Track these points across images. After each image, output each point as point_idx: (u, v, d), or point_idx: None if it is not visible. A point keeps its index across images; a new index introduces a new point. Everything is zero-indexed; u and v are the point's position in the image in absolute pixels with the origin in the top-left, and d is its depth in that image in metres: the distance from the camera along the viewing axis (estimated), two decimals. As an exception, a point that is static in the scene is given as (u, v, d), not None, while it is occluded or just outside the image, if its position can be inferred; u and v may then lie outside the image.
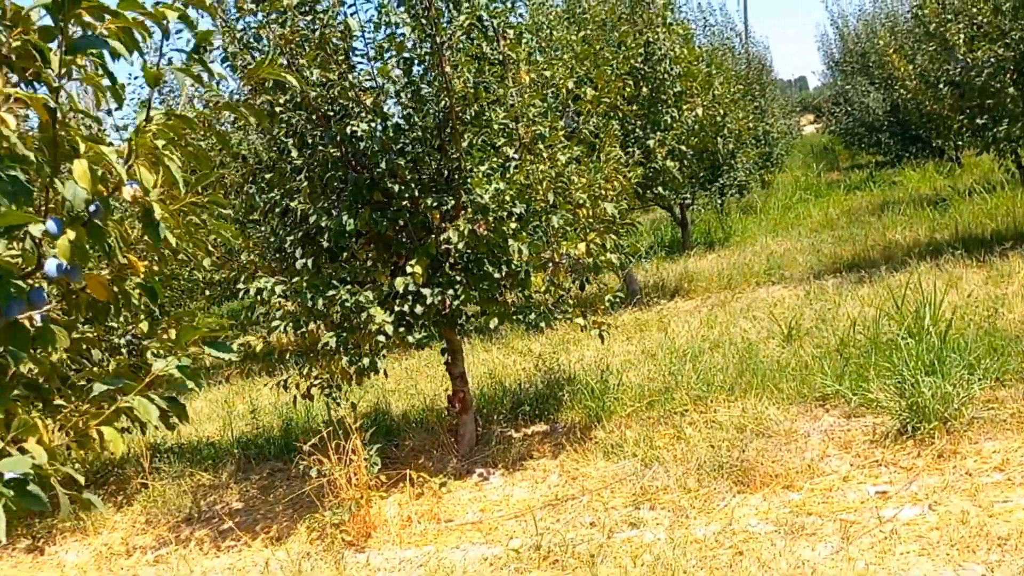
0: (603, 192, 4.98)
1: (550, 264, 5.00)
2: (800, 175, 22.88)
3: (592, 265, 4.99)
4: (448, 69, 4.59)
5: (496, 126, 4.99)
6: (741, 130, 14.14)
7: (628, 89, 8.89)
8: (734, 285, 10.01)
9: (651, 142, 8.77)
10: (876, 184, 17.28)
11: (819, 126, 34.16)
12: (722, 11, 21.57)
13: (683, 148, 9.13)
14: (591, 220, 4.96)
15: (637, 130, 8.75)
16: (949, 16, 8.40)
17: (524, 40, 5.51)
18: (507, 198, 4.56)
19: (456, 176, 4.87)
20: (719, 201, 18.63)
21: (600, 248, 4.88)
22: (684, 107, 9.36)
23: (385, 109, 4.93)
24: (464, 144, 4.90)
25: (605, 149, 5.13)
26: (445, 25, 4.76)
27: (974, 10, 8.70)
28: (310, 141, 4.90)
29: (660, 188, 9.32)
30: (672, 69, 8.64)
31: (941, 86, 8.86)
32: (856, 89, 19.13)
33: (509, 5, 5.50)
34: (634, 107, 9.04)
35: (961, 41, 8.25)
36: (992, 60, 8.17)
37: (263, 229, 5.38)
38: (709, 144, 9.64)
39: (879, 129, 18.49)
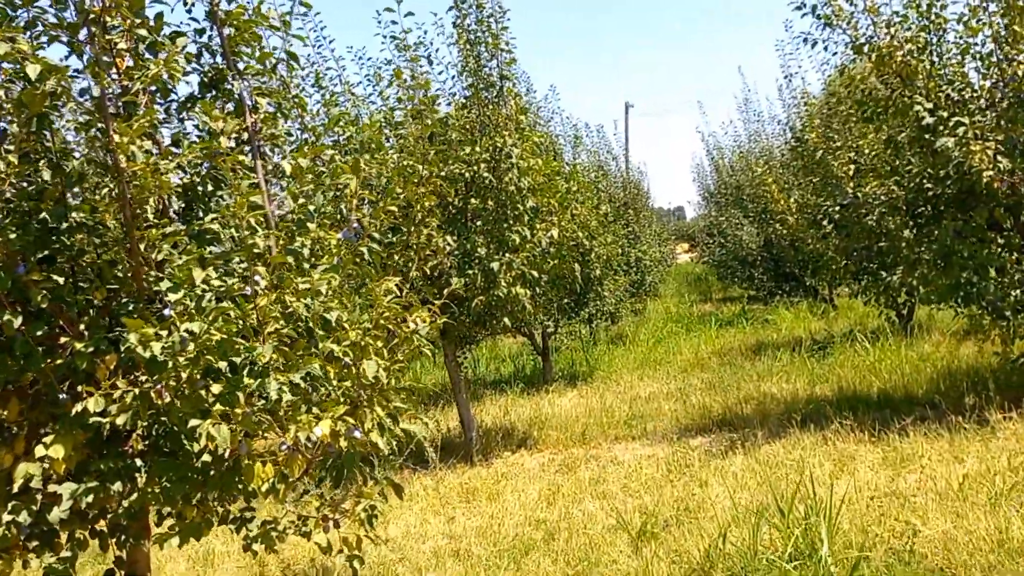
0: (369, 343, 3.28)
1: (284, 449, 3.22)
2: (673, 305, 22.11)
3: (346, 453, 3.24)
4: (116, 138, 2.87)
5: (212, 228, 3.26)
6: (610, 255, 12.98)
7: (457, 198, 7.43)
8: (590, 438, 8.42)
9: (495, 264, 7.23)
10: (748, 321, 16.42)
11: (694, 255, 34.16)
12: (599, 132, 20.49)
13: (535, 273, 7.63)
14: (348, 385, 3.24)
15: (479, 249, 7.21)
16: (836, 143, 7.43)
17: (286, 116, 3.89)
18: (186, 354, 2.79)
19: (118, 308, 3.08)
20: (590, 330, 17.49)
21: (351, 427, 3.13)
22: (539, 226, 7.93)
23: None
24: (156, 256, 3.15)
25: (374, 281, 3.46)
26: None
27: (861, 142, 7.72)
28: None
29: (506, 319, 7.74)
30: (520, 181, 7.22)
31: (825, 223, 7.79)
32: (730, 221, 18.58)
33: (272, 65, 3.91)
34: (479, 223, 7.54)
35: (849, 174, 7.23)
36: (883, 197, 7.14)
37: None
38: (566, 269, 8.20)
39: (752, 264, 17.85)
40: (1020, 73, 6.24)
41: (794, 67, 9.10)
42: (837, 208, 7.58)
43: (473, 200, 7.46)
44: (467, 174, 7.19)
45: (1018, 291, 6.44)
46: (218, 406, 2.97)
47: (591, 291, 12.83)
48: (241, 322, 3.06)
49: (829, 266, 7.91)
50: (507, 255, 7.58)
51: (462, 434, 8.42)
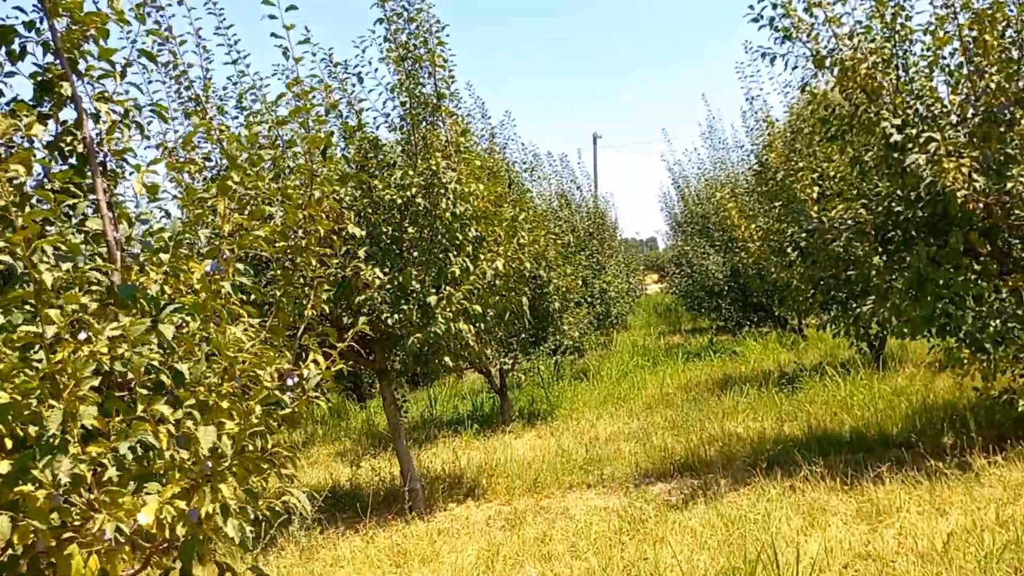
0: (217, 402, 2.61)
1: (106, 540, 2.53)
2: (641, 337, 21.54)
3: (183, 542, 2.55)
4: None
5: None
6: (569, 287, 12.39)
7: (389, 226, 6.77)
8: (543, 486, 7.74)
9: (432, 299, 6.59)
10: (716, 353, 15.86)
11: (663, 285, 33.73)
12: (563, 161, 20.00)
13: (478, 308, 6.99)
14: (185, 456, 2.56)
15: (414, 282, 6.56)
16: (799, 165, 6.91)
17: (140, 127, 3.27)
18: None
19: None
20: (554, 364, 16.85)
21: (187, 510, 2.46)
22: (483, 257, 7.31)
23: None
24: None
25: (224, 324, 2.79)
26: None
27: (826, 165, 7.21)
28: None
29: (447, 358, 7.07)
30: (455, 207, 6.59)
31: (789, 250, 7.24)
32: (696, 251, 18.10)
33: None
34: (416, 253, 6.90)
35: (813, 197, 6.71)
36: (850, 222, 6.61)
37: None
38: (513, 303, 7.57)
39: (719, 294, 17.34)
40: (992, 86, 5.75)
41: (755, 90, 8.60)
42: (802, 234, 7.05)
43: (410, 229, 6.83)
44: (399, 199, 6.56)
45: (997, 321, 5.90)
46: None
47: (550, 325, 12.20)
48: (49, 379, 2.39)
49: (795, 296, 7.34)
50: (447, 288, 6.95)
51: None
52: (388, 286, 6.62)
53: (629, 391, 13.15)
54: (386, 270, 6.65)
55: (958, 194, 5.53)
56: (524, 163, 13.39)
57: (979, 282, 6.10)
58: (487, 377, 12.14)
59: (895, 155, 6.15)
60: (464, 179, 7.04)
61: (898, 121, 6.15)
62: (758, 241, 7.45)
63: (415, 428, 12.51)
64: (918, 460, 6.52)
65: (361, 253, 6.31)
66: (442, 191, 6.47)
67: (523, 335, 12.15)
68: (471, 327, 7.15)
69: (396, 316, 6.63)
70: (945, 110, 6.17)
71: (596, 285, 17.47)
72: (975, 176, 5.47)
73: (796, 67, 6.55)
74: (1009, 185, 5.54)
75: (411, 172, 6.64)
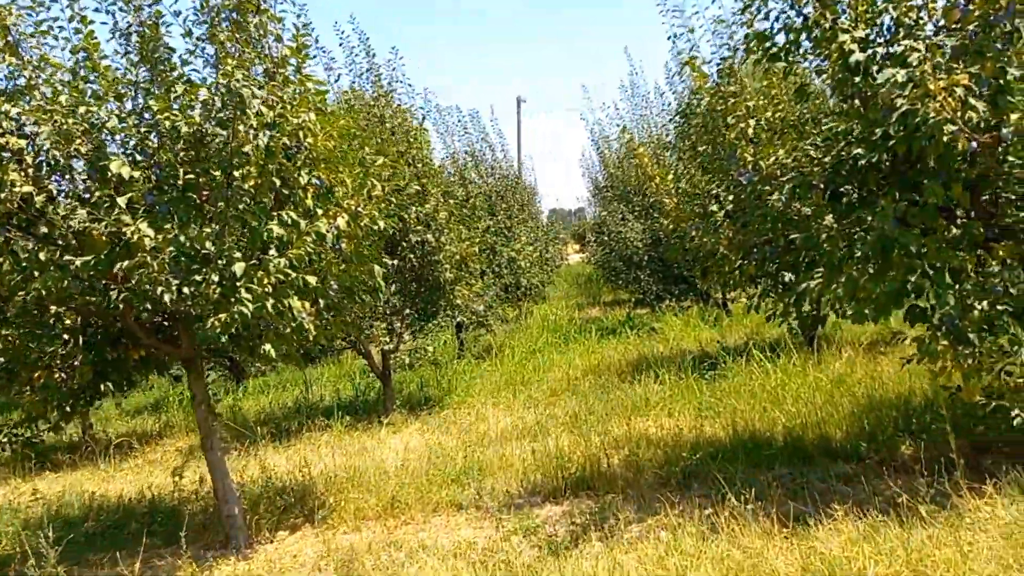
0: None
1: None
2: (556, 310, 20.03)
3: None
4: None
5: None
6: (465, 255, 10.67)
7: (178, 167, 4.91)
8: (402, 506, 6.05)
9: (238, 267, 4.78)
10: (633, 329, 14.40)
11: (585, 255, 32.32)
12: (474, 117, 18.11)
13: (311, 279, 5.22)
14: None
15: (208, 245, 4.74)
16: (731, 89, 5.31)
17: None
18: None
19: None
20: (458, 341, 15.17)
21: None
22: (324, 212, 5.53)
23: None
24: None
25: None
26: None
27: (763, 100, 5.62)
28: None
29: (268, 345, 5.29)
30: (259, 137, 4.75)
31: (715, 209, 5.67)
32: (613, 217, 16.54)
33: None
34: (221, 205, 5.06)
35: (748, 135, 5.12)
36: (793, 172, 5.04)
37: None
38: (363, 272, 5.82)
39: (638, 265, 15.85)
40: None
41: (679, 28, 6.90)
42: (731, 188, 5.49)
43: (216, 173, 4.96)
44: (184, 127, 4.70)
45: (984, 303, 4.42)
46: None
47: (441, 298, 10.48)
48: None
49: (721, 267, 5.77)
50: (271, 253, 5.16)
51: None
52: (173, 249, 4.78)
53: (534, 374, 11.56)
54: (174, 226, 4.81)
55: (946, 129, 3.99)
56: (419, 109, 11.50)
57: (959, 252, 4.60)
58: (367, 359, 10.37)
59: (856, 80, 4.59)
60: (292, 107, 5.23)
61: (860, 34, 4.58)
62: (676, 198, 5.86)
63: (285, 417, 10.71)
64: (873, 481, 5.06)
65: (122, 201, 4.47)
66: (239, 113, 4.63)
67: (408, 310, 10.41)
68: (305, 304, 5.38)
69: (187, 290, 4.81)
70: (922, 21, 4.62)
71: (504, 254, 15.83)
72: (973, 102, 3.94)
73: (729, -38, 4.91)
74: (1015, 117, 4.02)
75: (207, 91, 4.78)
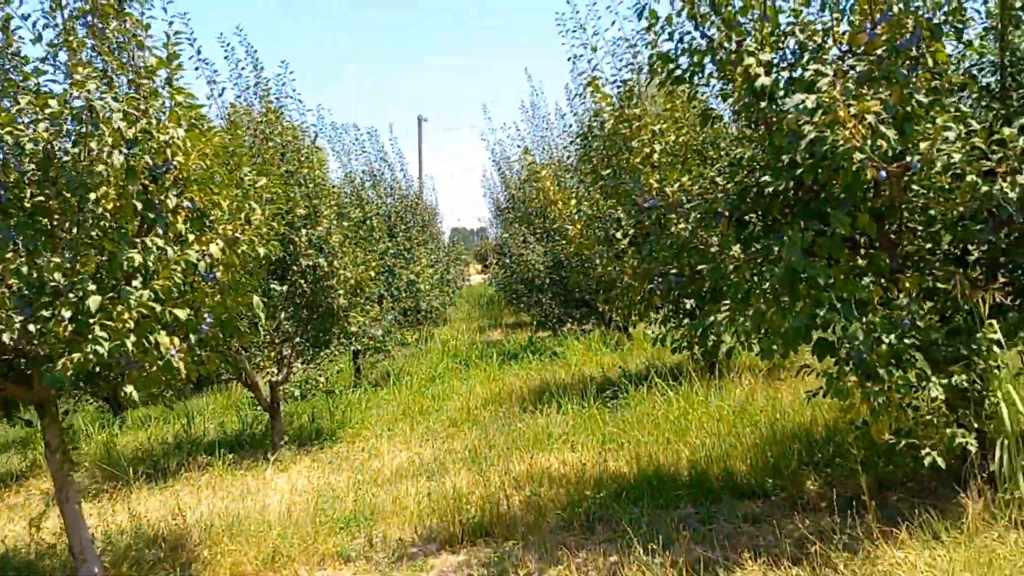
0: None
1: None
2: (458, 334, 19.65)
3: None
4: None
5: None
6: (360, 280, 10.16)
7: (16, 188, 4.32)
8: (283, 560, 5.53)
9: (91, 302, 4.23)
10: (535, 353, 14.15)
11: (486, 276, 32.08)
12: (372, 135, 17.56)
13: (180, 314, 4.68)
14: None
15: (56, 276, 4.17)
16: (635, 111, 5.08)
17: None
18: None
19: None
20: (355, 367, 14.59)
21: None
22: (196, 238, 5.01)
23: None
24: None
25: None
26: None
27: (667, 124, 5.42)
28: None
29: (131, 386, 4.72)
30: (112, 156, 4.22)
31: (619, 236, 5.43)
32: (515, 239, 16.30)
33: None
34: (75, 232, 4.50)
35: (652, 160, 4.89)
36: (699, 199, 4.83)
37: None
38: (241, 303, 5.31)
39: (539, 287, 15.64)
40: (896, 8, 4.10)
41: (579, 48, 6.68)
42: (635, 214, 5.26)
43: (66, 193, 4.40)
44: (29, 143, 4.14)
45: (892, 336, 4.28)
46: None
47: (334, 325, 9.96)
48: None
49: (625, 297, 5.53)
50: (135, 284, 4.62)
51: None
52: (17, 281, 4.20)
53: (433, 403, 11.15)
54: (13, 255, 4.22)
55: (855, 157, 3.83)
56: (311, 127, 10.94)
57: (866, 283, 4.47)
58: (253, 391, 9.73)
59: (762, 104, 4.42)
60: (159, 122, 4.71)
61: (766, 57, 4.42)
62: (579, 223, 5.59)
63: (165, 455, 9.93)
64: (781, 521, 4.86)
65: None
66: (91, 128, 4.10)
67: (299, 338, 9.83)
68: (174, 340, 4.84)
69: (33, 327, 4.23)
70: (827, 46, 4.49)
71: (404, 276, 15.36)
72: (884, 129, 3.79)
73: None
74: (924, 145, 3.90)
75: (53, 102, 4.23)
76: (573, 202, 5.62)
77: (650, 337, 13.10)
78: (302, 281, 9.43)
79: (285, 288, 9.36)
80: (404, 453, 8.39)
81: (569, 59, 7.11)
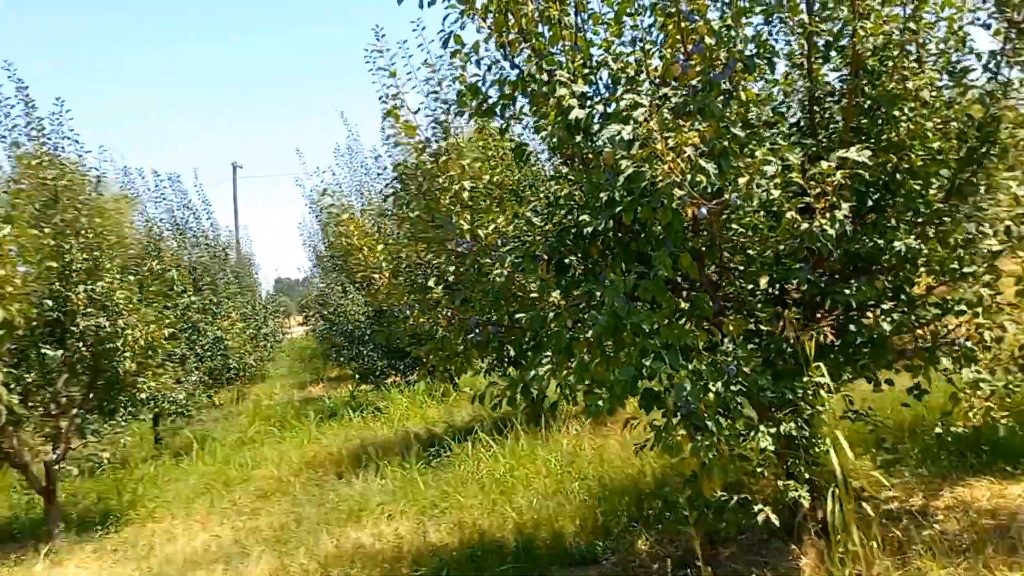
0: None
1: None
2: (277, 391, 18.48)
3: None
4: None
5: None
6: (153, 340, 9.08)
7: None
8: None
9: None
10: (357, 409, 13.35)
11: (308, 328, 30.72)
12: (174, 181, 16.20)
13: None
14: None
15: None
16: (443, 146, 4.64)
17: None
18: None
19: None
20: (155, 434, 13.22)
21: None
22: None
23: None
24: None
25: None
26: None
27: (480, 162, 5.03)
28: None
29: None
30: None
31: (432, 284, 4.94)
32: (333, 289, 15.49)
33: None
34: None
35: (464, 199, 4.45)
36: (515, 241, 4.44)
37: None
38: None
39: (360, 339, 14.87)
40: (709, 40, 3.90)
41: (391, 87, 6.17)
42: (450, 259, 4.80)
43: None
44: None
45: (719, 384, 4.02)
46: None
47: (121, 392, 8.84)
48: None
49: (441, 350, 5.02)
50: None
51: None
52: None
53: (240, 472, 10.13)
54: None
55: (675, 193, 3.55)
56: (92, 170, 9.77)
57: (691, 329, 4.20)
58: (24, 472, 8.41)
59: (577, 139, 4.09)
60: None
61: (580, 89, 4.10)
62: (387, 273, 5.04)
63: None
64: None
65: None
66: None
67: (78, 409, 8.62)
68: None
69: None
70: (641, 78, 4.24)
71: (210, 333, 14.17)
72: (703, 164, 3.53)
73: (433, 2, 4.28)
74: (742, 181, 3.68)
75: None
76: (380, 248, 5.09)
77: (477, 383, 12.72)
78: (81, 344, 8.29)
79: (61, 353, 8.21)
80: (204, 533, 7.43)
81: (380, 99, 6.61)
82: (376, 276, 5.30)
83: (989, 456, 5.31)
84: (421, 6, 4.42)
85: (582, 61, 4.26)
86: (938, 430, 4.36)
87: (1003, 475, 5.13)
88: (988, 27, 4.13)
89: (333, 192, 14.83)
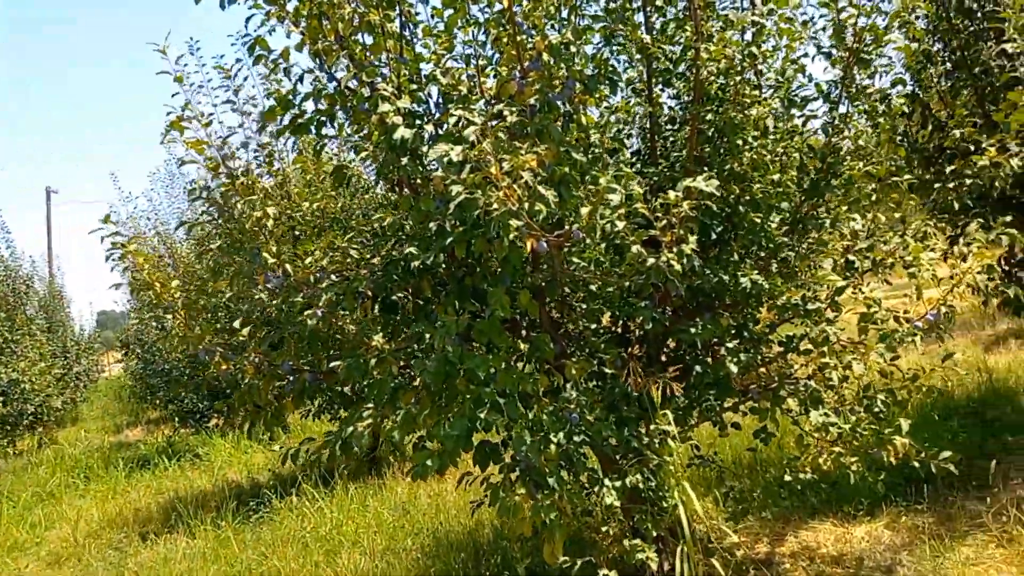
0: None
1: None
2: (83, 438, 16.72)
3: None
4: None
5: None
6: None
7: None
8: None
9: None
10: (173, 457, 12.18)
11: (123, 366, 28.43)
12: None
13: None
14: None
15: None
16: (250, 168, 4.04)
17: None
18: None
19: None
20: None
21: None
22: None
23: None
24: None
25: None
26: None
27: (293, 189, 4.46)
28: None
29: None
30: None
31: (237, 325, 4.30)
32: (147, 324, 14.21)
33: None
34: None
35: (269, 227, 3.86)
36: (334, 276, 3.90)
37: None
38: None
39: (179, 380, 13.69)
40: (546, 58, 3.55)
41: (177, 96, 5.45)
42: (256, 298, 4.20)
43: None
44: None
45: (561, 435, 3.63)
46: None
47: None
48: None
49: (250, 399, 4.37)
50: None
51: None
52: None
53: (32, 534, 8.87)
54: None
55: (512, 224, 3.14)
56: None
57: (531, 374, 3.80)
58: None
59: (404, 161, 3.63)
60: None
61: (406, 106, 3.65)
62: (183, 312, 4.37)
63: None
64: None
65: None
66: None
67: None
68: None
69: None
70: (474, 96, 3.84)
71: (2, 375, 12.60)
72: (543, 191, 3.15)
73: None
74: (585, 211, 3.32)
75: None
76: (175, 284, 4.42)
77: (307, 426, 11.87)
78: None
79: None
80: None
81: (168, 111, 5.87)
82: (170, 316, 4.61)
83: (830, 495, 5.22)
84: (222, 7, 3.85)
85: (408, 76, 3.82)
86: (787, 477, 4.15)
87: (845, 517, 5.04)
88: (829, 55, 4.01)
89: (129, 219, 13.56)
